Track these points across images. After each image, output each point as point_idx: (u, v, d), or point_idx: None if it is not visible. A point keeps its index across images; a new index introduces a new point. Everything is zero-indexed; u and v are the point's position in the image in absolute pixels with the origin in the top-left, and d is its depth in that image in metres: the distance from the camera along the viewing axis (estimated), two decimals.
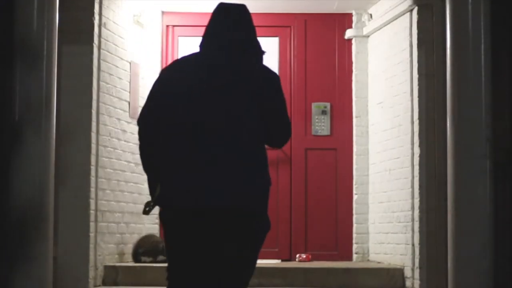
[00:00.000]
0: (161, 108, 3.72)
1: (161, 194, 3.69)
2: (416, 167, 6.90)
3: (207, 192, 3.60)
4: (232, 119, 3.65)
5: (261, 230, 3.74)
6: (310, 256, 7.90)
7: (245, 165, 3.66)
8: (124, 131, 7.58)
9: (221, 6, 3.89)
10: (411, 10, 7.07)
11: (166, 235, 3.74)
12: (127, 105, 7.65)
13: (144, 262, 7.35)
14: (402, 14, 7.25)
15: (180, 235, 3.68)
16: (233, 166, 3.63)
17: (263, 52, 3.94)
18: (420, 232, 6.80)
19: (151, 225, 8.07)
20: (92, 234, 6.75)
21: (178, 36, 8.38)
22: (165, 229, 3.75)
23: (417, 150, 6.90)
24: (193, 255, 3.66)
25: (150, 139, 3.77)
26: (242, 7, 3.89)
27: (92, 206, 6.76)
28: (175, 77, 3.76)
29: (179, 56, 8.29)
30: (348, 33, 8.26)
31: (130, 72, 7.71)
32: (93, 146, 6.80)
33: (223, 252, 3.65)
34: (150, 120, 3.76)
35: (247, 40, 3.88)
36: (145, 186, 8.07)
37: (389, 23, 7.62)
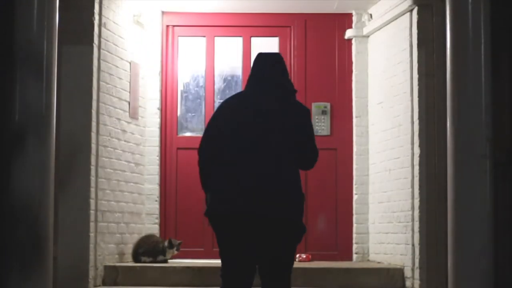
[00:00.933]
0: (218, 138, 4.59)
1: (216, 205, 4.52)
2: (416, 167, 6.90)
3: (255, 205, 4.43)
4: (275, 146, 4.52)
5: (298, 233, 4.57)
6: (310, 256, 7.90)
7: (285, 182, 4.51)
8: (124, 131, 7.58)
9: (261, 55, 4.80)
10: (411, 10, 7.08)
11: (220, 240, 4.63)
12: (127, 105, 7.65)
13: (144, 262, 7.35)
14: (402, 14, 7.25)
15: (233, 240, 4.54)
16: (276, 183, 4.47)
17: (295, 91, 4.78)
18: (420, 232, 6.80)
19: (151, 225, 8.08)
20: (92, 234, 6.75)
21: (178, 36, 8.38)
22: (218, 234, 4.61)
23: (417, 150, 6.90)
24: (243, 255, 4.53)
25: (208, 165, 4.63)
26: (278, 55, 4.84)
27: (92, 206, 6.76)
28: (228, 112, 4.64)
29: (179, 56, 8.34)
30: (348, 33, 8.27)
31: (130, 72, 7.71)
32: (93, 146, 6.80)
33: (269, 251, 4.52)
34: (208, 150, 4.64)
35: (283, 81, 4.73)
36: (145, 186, 8.12)
37: (389, 23, 7.62)
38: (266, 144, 4.52)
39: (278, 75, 4.73)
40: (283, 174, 4.51)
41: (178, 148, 8.28)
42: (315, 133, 4.84)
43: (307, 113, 4.70)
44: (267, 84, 4.69)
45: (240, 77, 8.40)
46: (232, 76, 8.59)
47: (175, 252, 7.54)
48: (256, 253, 4.52)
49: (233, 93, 8.40)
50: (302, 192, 4.58)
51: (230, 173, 4.50)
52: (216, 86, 8.45)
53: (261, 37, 8.44)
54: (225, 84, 8.56)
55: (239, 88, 8.38)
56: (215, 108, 4.94)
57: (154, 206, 8.12)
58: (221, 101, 7.95)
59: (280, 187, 4.47)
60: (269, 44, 8.43)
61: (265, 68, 4.74)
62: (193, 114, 8.53)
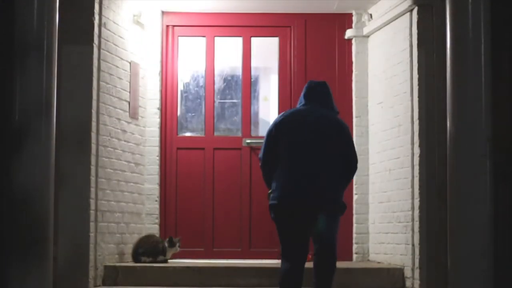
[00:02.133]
0: (279, 144, 5.75)
1: (280, 199, 5.64)
2: (416, 167, 6.90)
3: (310, 196, 5.62)
4: (325, 155, 5.68)
5: (340, 212, 5.76)
6: (310, 256, 7.88)
7: (332, 181, 5.69)
8: (124, 131, 7.59)
9: (312, 83, 5.99)
10: (411, 10, 7.08)
11: (282, 226, 5.68)
12: (127, 105, 7.65)
13: (144, 262, 7.35)
14: (402, 14, 7.25)
15: (286, 223, 5.66)
16: (325, 182, 5.65)
17: (338, 113, 5.94)
18: (420, 232, 6.80)
19: (151, 225, 8.08)
20: (92, 234, 6.75)
21: (178, 36, 8.38)
22: (281, 222, 5.67)
23: (417, 150, 6.90)
24: (298, 235, 5.66)
25: (269, 165, 5.81)
26: (324, 83, 5.98)
27: (92, 206, 6.77)
28: (287, 123, 5.79)
29: (179, 56, 8.35)
30: (348, 33, 8.27)
31: (130, 72, 7.72)
32: (93, 146, 6.80)
33: (317, 228, 5.65)
34: (270, 154, 5.80)
35: (330, 104, 5.92)
36: (145, 186, 8.14)
37: (389, 23, 7.62)
38: (317, 152, 5.68)
39: (325, 98, 5.92)
40: (329, 176, 5.67)
41: (178, 148, 8.29)
42: None
43: (348, 129, 5.86)
44: (318, 104, 5.86)
45: (240, 77, 8.40)
46: (232, 76, 8.60)
47: (178, 250, 7.55)
48: (307, 231, 5.68)
49: (233, 93, 8.49)
50: (342, 193, 5.80)
51: (290, 175, 5.66)
52: (216, 86, 8.45)
53: (261, 37, 8.44)
54: (225, 84, 8.57)
55: (239, 88, 8.40)
56: (270, 125, 5.92)
57: (154, 206, 8.12)
58: (221, 101, 8.18)
59: (325, 186, 5.65)
60: (269, 44, 8.44)
61: (315, 91, 5.92)
62: (193, 114, 8.53)
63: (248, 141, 8.26)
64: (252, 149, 8.26)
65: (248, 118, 8.34)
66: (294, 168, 5.67)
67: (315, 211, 5.65)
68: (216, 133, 8.39)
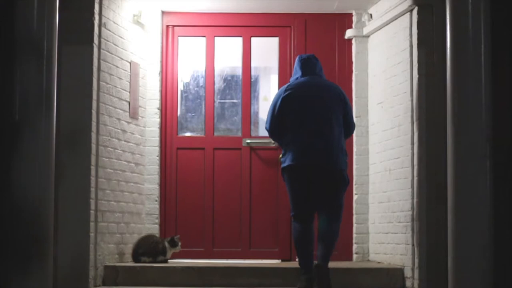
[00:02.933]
0: (286, 110, 6.59)
1: (292, 159, 6.48)
2: (416, 167, 6.90)
3: (316, 155, 6.47)
4: (330, 121, 6.55)
5: (345, 180, 6.61)
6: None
7: (337, 142, 6.54)
8: (124, 131, 7.59)
9: (304, 56, 6.90)
10: (411, 10, 7.08)
11: (289, 181, 6.56)
12: (127, 105, 7.65)
13: (144, 262, 7.35)
14: (402, 14, 7.25)
15: (298, 183, 6.52)
16: (330, 141, 6.51)
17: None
18: (420, 232, 6.80)
19: (151, 225, 8.08)
20: (92, 234, 6.75)
21: (178, 36, 8.38)
22: (288, 178, 6.56)
23: (417, 150, 6.90)
24: (306, 194, 6.52)
25: (276, 134, 6.70)
26: (313, 55, 6.91)
27: (92, 206, 6.76)
28: (293, 95, 6.63)
29: (179, 56, 8.35)
30: (348, 33, 8.27)
31: (130, 72, 7.72)
32: (93, 146, 6.80)
33: (325, 189, 6.54)
34: (276, 120, 6.64)
35: (321, 71, 6.87)
36: (145, 186, 8.12)
37: (389, 23, 7.62)
38: (323, 118, 6.52)
39: (319, 68, 6.83)
40: (334, 137, 6.51)
41: (178, 148, 8.28)
42: None
43: (347, 97, 6.78)
44: (315, 75, 6.75)
45: (240, 77, 8.40)
46: (232, 76, 8.60)
47: (179, 249, 7.56)
48: (318, 189, 6.52)
49: (233, 93, 8.49)
50: (346, 151, 6.65)
51: (301, 140, 6.48)
52: (216, 86, 8.45)
53: (261, 37, 8.44)
54: (225, 84, 8.56)
55: (239, 88, 8.39)
56: (275, 97, 6.73)
57: (154, 206, 8.12)
58: (221, 101, 8.20)
59: (331, 147, 6.49)
60: (269, 44, 8.44)
61: (311, 63, 6.80)
62: (193, 114, 8.53)
63: (248, 141, 8.26)
64: (252, 149, 8.26)
65: (248, 118, 8.34)
66: (303, 134, 6.48)
67: (324, 171, 6.48)
68: (216, 133, 8.39)
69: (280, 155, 6.67)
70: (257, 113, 8.68)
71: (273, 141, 7.83)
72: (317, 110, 6.54)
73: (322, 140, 6.47)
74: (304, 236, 6.48)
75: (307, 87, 6.65)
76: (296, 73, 6.81)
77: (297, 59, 6.88)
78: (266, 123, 6.75)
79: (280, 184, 8.13)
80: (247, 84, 8.37)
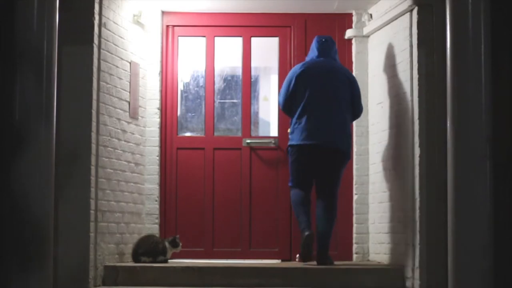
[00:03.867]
0: (299, 87, 7.17)
1: (300, 138, 7.10)
2: (416, 167, 6.90)
3: (323, 137, 7.09)
4: (339, 103, 7.15)
5: (346, 158, 7.24)
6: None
7: (343, 123, 7.16)
8: (124, 131, 7.59)
9: (320, 37, 7.46)
10: (411, 10, 7.08)
11: (293, 160, 7.21)
12: (127, 105, 7.65)
13: (144, 262, 7.35)
14: (402, 14, 7.25)
15: (303, 160, 7.17)
16: (337, 123, 7.12)
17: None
18: (420, 232, 6.80)
19: (151, 225, 8.08)
20: (92, 234, 6.75)
21: (178, 36, 8.38)
22: (293, 154, 7.19)
23: (417, 150, 6.90)
24: (309, 170, 7.18)
25: (288, 109, 7.28)
26: (330, 37, 7.48)
27: (92, 206, 6.76)
28: (307, 74, 7.23)
29: (179, 56, 8.35)
30: (348, 33, 8.27)
31: (130, 72, 7.72)
32: (93, 146, 6.80)
33: (327, 169, 7.18)
34: (289, 96, 7.22)
35: (335, 54, 7.41)
36: (145, 186, 8.12)
37: (389, 23, 7.62)
38: (333, 100, 7.09)
39: (335, 51, 7.40)
40: (341, 119, 7.09)
41: (178, 148, 8.29)
42: None
43: (357, 81, 7.38)
44: (330, 57, 7.31)
45: (240, 77, 8.40)
46: (232, 76, 8.60)
47: (180, 249, 7.56)
48: (319, 168, 7.18)
49: (233, 93, 8.50)
50: (350, 133, 7.29)
51: (309, 119, 7.05)
52: (216, 86, 8.45)
53: (261, 37, 8.44)
54: (225, 84, 8.57)
55: (239, 88, 8.40)
56: (289, 74, 7.35)
57: (154, 206, 8.12)
58: (221, 101, 8.21)
59: (338, 128, 7.08)
60: (269, 44, 8.44)
61: (327, 45, 7.33)
62: (193, 114, 8.53)
63: (248, 141, 8.26)
64: (252, 149, 8.26)
65: (248, 118, 8.34)
66: (313, 113, 7.05)
67: (328, 152, 7.08)
68: (216, 133, 8.39)
69: (289, 129, 7.29)
70: (257, 113, 8.68)
71: (273, 141, 7.90)
72: (327, 90, 7.11)
73: (330, 121, 7.06)
74: (303, 198, 7.15)
75: (321, 68, 7.22)
76: (312, 52, 7.38)
77: (315, 39, 7.44)
78: (279, 97, 7.36)
79: (280, 184, 8.14)
80: (247, 84, 8.37)
